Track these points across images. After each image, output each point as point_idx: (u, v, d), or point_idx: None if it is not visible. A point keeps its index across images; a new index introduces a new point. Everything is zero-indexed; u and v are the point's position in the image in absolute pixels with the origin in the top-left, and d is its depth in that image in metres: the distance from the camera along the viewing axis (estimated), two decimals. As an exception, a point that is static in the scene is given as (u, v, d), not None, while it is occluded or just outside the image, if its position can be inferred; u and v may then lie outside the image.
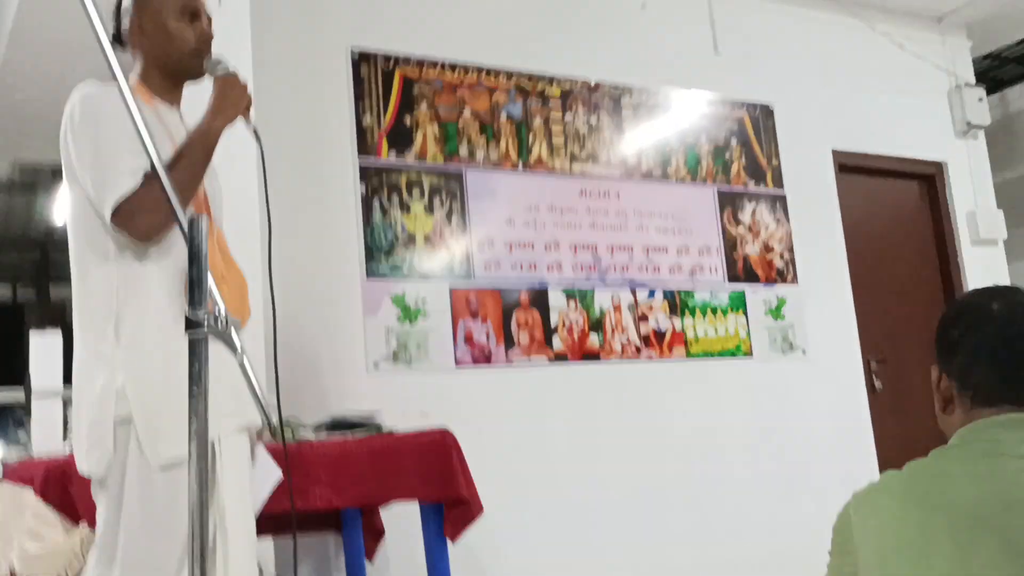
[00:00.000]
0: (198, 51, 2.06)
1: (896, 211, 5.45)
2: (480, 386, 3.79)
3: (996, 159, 5.88)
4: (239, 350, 1.30)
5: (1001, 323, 1.32)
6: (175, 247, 1.93)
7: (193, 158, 1.90)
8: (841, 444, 4.71)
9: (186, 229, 1.25)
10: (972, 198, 5.55)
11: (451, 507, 2.77)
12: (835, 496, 1.65)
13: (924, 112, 5.50)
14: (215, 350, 1.29)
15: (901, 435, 4.91)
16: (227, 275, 2.02)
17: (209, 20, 2.14)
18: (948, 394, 1.36)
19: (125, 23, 2.06)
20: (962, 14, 5.56)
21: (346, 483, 2.61)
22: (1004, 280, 5.57)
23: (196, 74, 2.09)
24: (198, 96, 2.06)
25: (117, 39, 2.06)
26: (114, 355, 1.87)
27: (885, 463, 4.75)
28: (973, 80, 5.71)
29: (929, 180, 5.49)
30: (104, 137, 1.89)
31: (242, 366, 1.32)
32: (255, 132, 2.03)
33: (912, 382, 5.13)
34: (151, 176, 1.84)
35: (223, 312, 1.28)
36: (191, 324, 1.20)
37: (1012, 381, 1.30)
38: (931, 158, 5.47)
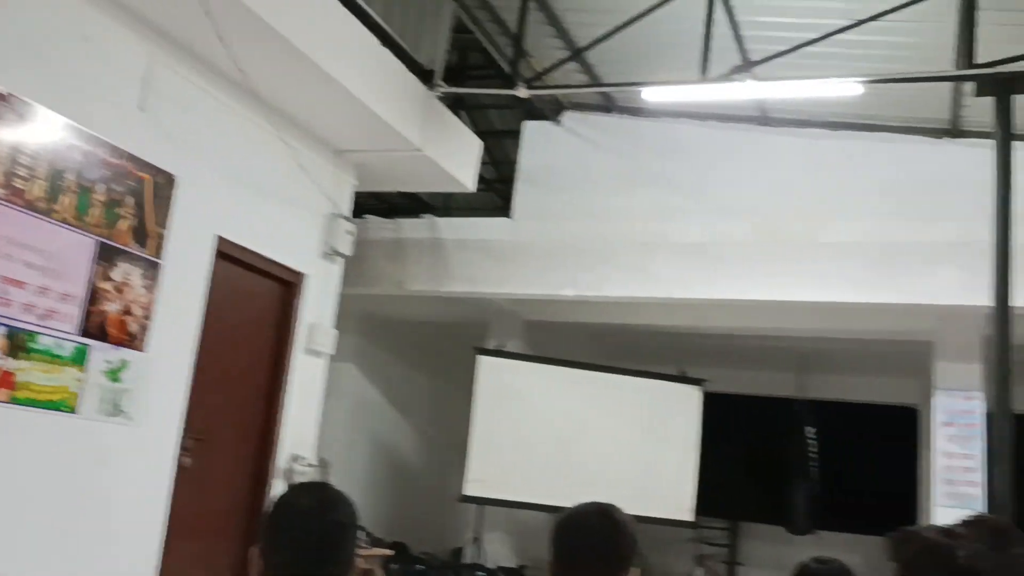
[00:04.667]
0: None
1: (258, 307, 5.91)
2: None
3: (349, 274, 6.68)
4: None
5: (296, 514, 1.71)
6: None
7: None
8: (137, 515, 4.84)
9: None
10: (318, 312, 6.26)
11: None
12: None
13: (303, 226, 6.11)
14: None
15: (198, 511, 5.23)
16: None
17: None
18: (259, 570, 1.70)
19: None
20: (353, 156, 6.40)
21: None
22: (320, 383, 6.31)
23: None
24: None
25: None
26: None
27: (174, 535, 4.99)
28: (350, 214, 6.53)
29: (290, 287, 6.07)
30: None
31: None
32: None
33: (222, 464, 5.51)
34: None
35: None
36: None
37: (299, 560, 1.67)
38: (297, 268, 6.07)
